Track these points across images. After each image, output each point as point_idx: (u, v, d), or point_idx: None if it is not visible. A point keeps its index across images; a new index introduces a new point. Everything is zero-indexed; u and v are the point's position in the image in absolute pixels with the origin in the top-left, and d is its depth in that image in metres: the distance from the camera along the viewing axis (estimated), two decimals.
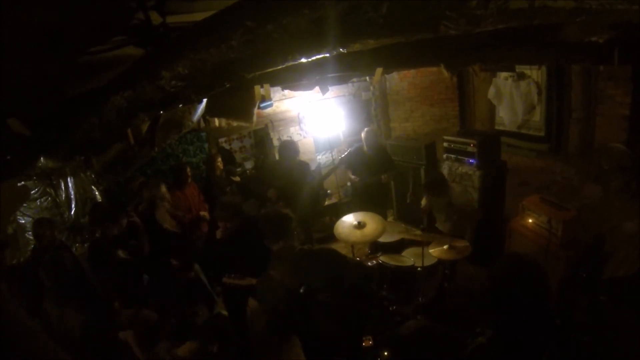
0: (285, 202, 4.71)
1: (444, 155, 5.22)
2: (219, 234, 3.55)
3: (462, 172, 4.89)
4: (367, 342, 2.92)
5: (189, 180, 5.05)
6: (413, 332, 1.66)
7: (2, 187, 3.05)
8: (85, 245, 3.99)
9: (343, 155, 5.55)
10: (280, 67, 2.04)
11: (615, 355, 2.16)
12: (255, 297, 2.32)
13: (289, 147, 4.91)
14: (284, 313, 2.04)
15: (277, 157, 6.13)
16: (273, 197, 4.72)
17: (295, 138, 6.58)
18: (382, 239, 4.10)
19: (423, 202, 4.49)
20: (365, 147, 5.30)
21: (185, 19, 2.36)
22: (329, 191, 6.70)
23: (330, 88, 5.40)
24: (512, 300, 1.53)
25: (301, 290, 2.16)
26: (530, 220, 3.93)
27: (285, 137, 6.54)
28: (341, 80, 5.11)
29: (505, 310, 1.56)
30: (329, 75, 3.98)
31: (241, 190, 5.92)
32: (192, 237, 4.58)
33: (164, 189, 4.51)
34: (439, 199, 4.25)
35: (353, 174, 5.36)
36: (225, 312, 4.33)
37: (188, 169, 5.10)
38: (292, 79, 3.86)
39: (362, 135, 5.33)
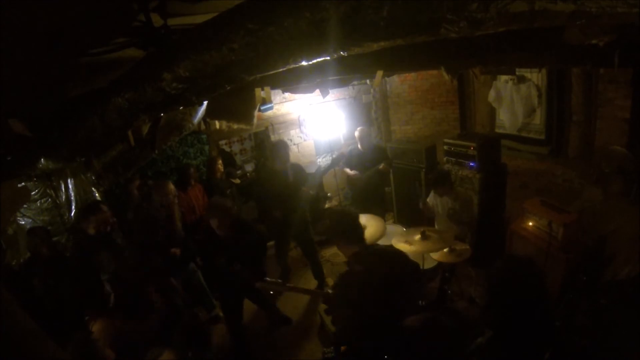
0: (284, 206, 4.71)
1: (444, 158, 5.23)
2: (219, 231, 3.53)
3: (463, 175, 4.89)
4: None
5: (193, 181, 5.06)
6: (419, 323, 1.67)
7: (3, 187, 3.05)
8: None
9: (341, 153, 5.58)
10: (281, 69, 2.04)
11: (615, 357, 2.16)
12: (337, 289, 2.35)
13: (281, 148, 4.81)
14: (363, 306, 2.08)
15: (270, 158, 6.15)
16: (279, 216, 4.74)
17: (296, 141, 6.59)
18: (382, 242, 4.09)
19: (429, 198, 4.52)
20: (359, 146, 5.38)
21: (186, 21, 2.37)
22: (329, 194, 6.71)
23: (330, 91, 5.44)
24: (509, 302, 1.54)
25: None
26: (530, 223, 3.93)
27: (286, 140, 6.53)
28: (342, 83, 5.13)
29: (503, 311, 1.57)
30: (330, 78, 3.99)
31: (241, 192, 5.93)
32: (194, 238, 4.58)
33: (171, 186, 4.55)
34: (442, 200, 4.27)
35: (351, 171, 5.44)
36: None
37: (193, 170, 5.12)
38: (292, 82, 3.87)
39: (356, 134, 5.45)
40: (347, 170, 5.51)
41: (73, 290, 3.25)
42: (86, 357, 2.31)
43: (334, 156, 6.15)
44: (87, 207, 3.79)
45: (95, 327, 2.73)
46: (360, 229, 2.51)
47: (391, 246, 2.68)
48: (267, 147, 6.30)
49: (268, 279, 3.01)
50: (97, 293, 3.44)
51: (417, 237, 3.59)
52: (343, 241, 2.47)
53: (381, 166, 5.30)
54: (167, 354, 2.48)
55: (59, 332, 2.53)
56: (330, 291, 2.81)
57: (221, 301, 4.14)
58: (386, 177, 5.75)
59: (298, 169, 4.90)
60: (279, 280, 3.01)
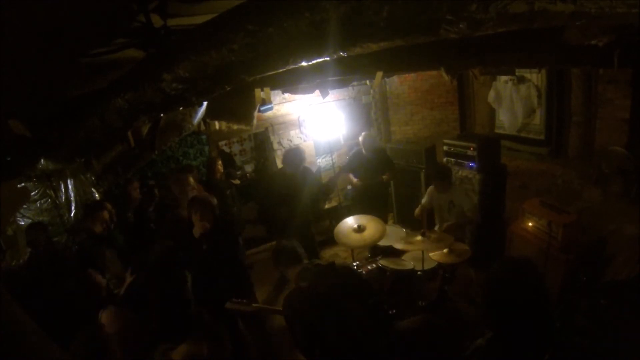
0: (287, 208, 4.70)
1: (444, 159, 5.24)
2: (197, 230, 3.41)
3: (462, 175, 4.90)
4: None
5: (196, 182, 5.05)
6: (414, 325, 1.67)
7: (3, 188, 3.05)
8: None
9: (344, 163, 5.55)
10: (281, 70, 2.05)
11: (615, 358, 2.15)
12: (286, 307, 2.41)
13: (295, 156, 4.74)
14: (315, 320, 2.09)
15: (279, 164, 6.15)
16: (285, 215, 4.72)
17: (296, 141, 6.60)
18: (382, 243, 4.10)
19: (424, 200, 4.52)
20: (363, 151, 5.35)
21: (186, 22, 2.37)
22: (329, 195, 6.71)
23: (330, 91, 5.42)
24: (508, 303, 1.54)
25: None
26: (530, 224, 3.93)
27: (286, 141, 6.55)
28: (341, 84, 5.13)
29: (502, 313, 1.57)
30: (330, 78, 3.99)
31: (241, 193, 5.93)
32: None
33: (191, 179, 4.53)
34: (440, 196, 4.28)
35: (354, 177, 5.40)
36: None
37: (195, 172, 5.11)
38: (292, 82, 3.87)
39: (360, 139, 5.41)
40: (351, 176, 5.48)
41: (77, 288, 3.24)
42: (93, 352, 2.29)
43: (334, 163, 6.16)
44: (93, 206, 3.82)
45: (104, 318, 2.72)
46: (295, 253, 2.74)
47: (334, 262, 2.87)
48: (277, 150, 6.33)
49: (234, 299, 2.98)
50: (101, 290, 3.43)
51: (417, 237, 3.59)
52: (283, 266, 2.74)
53: (385, 177, 5.31)
54: (179, 350, 2.46)
55: (65, 329, 2.52)
56: None
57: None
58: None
59: (308, 173, 4.89)
60: (244, 301, 2.99)
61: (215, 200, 3.63)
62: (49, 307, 3.00)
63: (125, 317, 2.67)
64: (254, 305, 2.96)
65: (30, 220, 3.58)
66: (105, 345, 2.38)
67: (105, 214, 3.69)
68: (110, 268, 3.63)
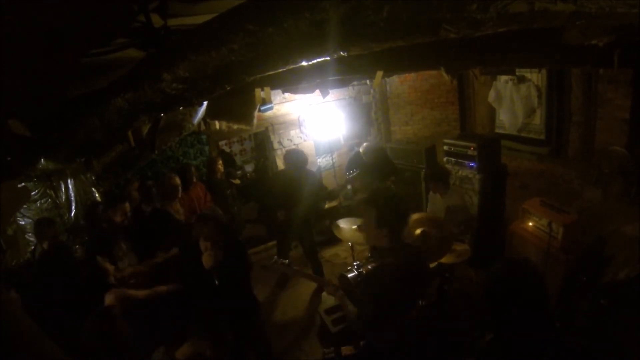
0: (288, 208, 4.71)
1: (444, 159, 5.23)
2: (207, 261, 2.98)
3: (463, 175, 4.89)
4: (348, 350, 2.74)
5: (194, 181, 5.04)
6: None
7: (3, 188, 3.05)
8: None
9: (350, 175, 5.53)
10: (281, 70, 2.05)
11: (615, 358, 2.16)
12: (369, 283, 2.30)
13: (297, 156, 4.76)
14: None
15: (279, 164, 6.17)
16: (282, 217, 4.72)
17: (296, 141, 6.59)
18: None
19: (429, 204, 4.52)
20: (364, 158, 5.40)
21: (186, 22, 2.37)
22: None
23: (330, 91, 5.43)
24: (508, 304, 1.54)
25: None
26: (530, 224, 3.93)
27: (286, 141, 6.54)
28: (342, 84, 5.13)
29: (502, 314, 1.57)
30: (330, 78, 3.99)
31: (241, 193, 5.93)
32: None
33: (177, 180, 4.46)
34: (438, 200, 4.28)
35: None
36: None
37: (193, 170, 5.10)
38: (292, 82, 3.87)
39: (361, 150, 5.48)
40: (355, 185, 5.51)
41: (87, 274, 3.26)
42: (104, 332, 2.29)
43: (334, 163, 6.16)
44: (116, 197, 4.17)
45: (110, 299, 2.73)
46: (399, 214, 2.40)
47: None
48: (276, 149, 6.34)
49: (276, 257, 2.87)
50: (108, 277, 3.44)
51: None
52: (378, 220, 2.34)
53: (387, 184, 5.33)
54: (183, 349, 2.46)
55: (75, 315, 2.52)
56: (333, 282, 2.80)
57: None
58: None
59: (310, 175, 4.88)
60: (286, 261, 2.86)
61: (223, 217, 3.27)
62: (58, 297, 3.02)
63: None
64: (295, 268, 2.82)
65: (30, 220, 3.59)
66: (114, 329, 2.38)
67: (127, 206, 3.90)
68: (125, 258, 3.68)
